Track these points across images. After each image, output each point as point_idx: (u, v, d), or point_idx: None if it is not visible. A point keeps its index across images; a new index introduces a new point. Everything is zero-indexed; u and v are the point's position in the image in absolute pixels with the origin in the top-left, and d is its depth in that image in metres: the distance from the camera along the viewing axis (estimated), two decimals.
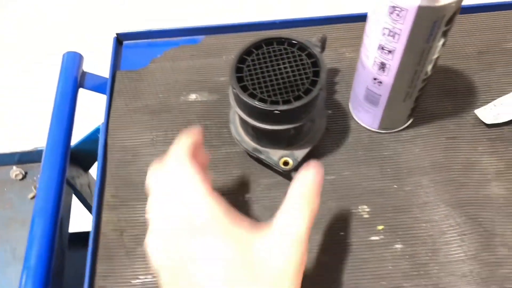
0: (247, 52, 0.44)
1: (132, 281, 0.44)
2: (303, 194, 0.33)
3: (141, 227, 0.47)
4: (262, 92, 0.42)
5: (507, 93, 0.52)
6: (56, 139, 0.55)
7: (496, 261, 0.43)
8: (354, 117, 0.52)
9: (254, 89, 0.42)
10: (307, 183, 0.34)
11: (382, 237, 0.45)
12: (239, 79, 0.42)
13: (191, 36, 0.59)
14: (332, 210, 0.47)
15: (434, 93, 0.53)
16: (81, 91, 0.59)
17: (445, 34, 0.39)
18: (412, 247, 0.45)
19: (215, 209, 0.32)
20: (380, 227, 0.46)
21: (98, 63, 0.58)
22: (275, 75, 0.43)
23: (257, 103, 0.41)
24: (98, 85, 0.59)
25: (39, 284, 0.46)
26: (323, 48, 0.48)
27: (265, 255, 0.31)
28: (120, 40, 0.59)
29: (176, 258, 0.32)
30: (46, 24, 1.60)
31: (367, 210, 0.47)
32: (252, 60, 0.43)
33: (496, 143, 0.50)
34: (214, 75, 0.56)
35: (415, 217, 0.46)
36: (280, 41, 0.45)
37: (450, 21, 0.38)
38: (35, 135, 0.58)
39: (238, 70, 0.43)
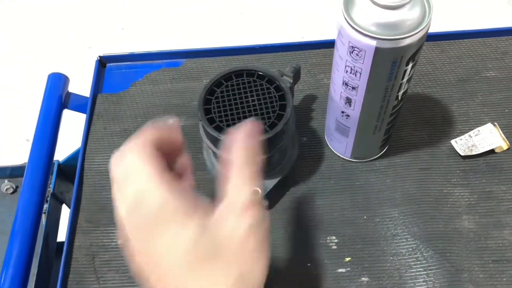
0: (217, 83, 0.44)
1: None
2: (240, 159, 0.32)
3: (113, 252, 0.47)
4: (228, 125, 0.42)
5: (484, 124, 0.52)
6: (38, 155, 0.56)
7: None
8: (329, 144, 0.52)
9: (221, 121, 0.42)
10: (240, 146, 0.33)
11: (348, 269, 0.45)
12: (207, 111, 0.43)
13: (173, 59, 0.60)
14: (300, 240, 0.47)
15: (411, 122, 0.53)
16: None
17: (406, 72, 0.39)
18: (378, 280, 0.45)
19: (166, 197, 0.31)
20: (347, 259, 0.46)
21: (88, 84, 0.59)
22: (242, 107, 0.43)
23: (222, 136, 0.41)
24: (82, 106, 0.60)
25: None
26: (296, 78, 0.48)
27: (225, 233, 0.30)
28: (103, 62, 0.60)
29: (141, 253, 0.31)
30: (33, 41, 1.64)
31: (336, 241, 0.47)
32: (221, 92, 0.44)
33: (469, 175, 0.49)
34: (193, 99, 0.56)
35: (383, 250, 0.46)
36: (249, 72, 0.45)
37: (411, 60, 0.38)
38: (27, 150, 0.60)
39: (207, 102, 0.44)
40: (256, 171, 0.33)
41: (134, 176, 0.32)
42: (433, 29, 0.59)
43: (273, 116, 0.42)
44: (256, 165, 0.33)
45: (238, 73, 0.45)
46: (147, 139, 0.34)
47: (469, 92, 0.55)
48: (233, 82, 0.45)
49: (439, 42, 0.59)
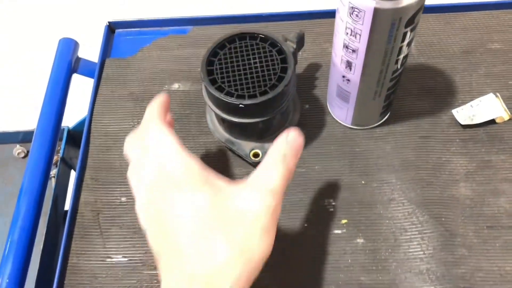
0: (220, 45, 0.45)
1: (105, 260, 0.47)
2: (280, 152, 0.34)
3: (117, 209, 0.49)
4: (230, 86, 0.43)
5: (486, 94, 0.52)
6: (46, 121, 0.57)
7: (453, 261, 0.44)
8: (330, 112, 0.53)
9: (223, 82, 0.43)
10: (285, 143, 0.35)
11: (345, 231, 0.46)
12: (210, 72, 0.44)
13: (180, 26, 0.61)
14: (298, 201, 0.48)
15: (413, 91, 0.54)
16: None
17: (406, 35, 0.39)
18: (373, 242, 0.46)
19: (190, 164, 0.34)
20: (344, 221, 0.47)
21: (97, 49, 0.60)
22: (244, 69, 0.44)
23: (223, 96, 0.42)
24: (91, 71, 0.61)
25: (19, 257, 0.49)
26: (300, 44, 0.48)
27: (240, 205, 0.32)
28: (112, 28, 0.61)
29: (157, 215, 0.33)
30: (44, 11, 1.65)
31: (333, 204, 0.48)
32: (224, 54, 0.45)
33: (469, 144, 0.50)
34: (199, 66, 0.57)
35: (379, 213, 0.47)
36: (252, 36, 0.46)
37: (410, 23, 0.38)
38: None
39: (210, 63, 0.44)
40: (290, 172, 0.35)
41: (157, 146, 0.35)
42: (439, 1, 0.59)
43: (274, 78, 0.43)
44: (292, 165, 0.35)
45: (241, 36, 0.46)
46: (157, 113, 0.38)
47: (473, 63, 0.55)
48: (236, 44, 0.45)
49: (445, 14, 0.59)
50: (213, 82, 0.43)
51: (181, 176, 0.33)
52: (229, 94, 0.42)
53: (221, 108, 0.44)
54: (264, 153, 0.48)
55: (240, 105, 0.42)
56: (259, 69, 0.44)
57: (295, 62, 0.47)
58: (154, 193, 0.33)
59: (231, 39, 0.46)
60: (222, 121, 0.47)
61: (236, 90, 0.43)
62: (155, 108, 0.38)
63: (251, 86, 0.43)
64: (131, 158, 0.37)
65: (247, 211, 0.32)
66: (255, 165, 0.49)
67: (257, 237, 0.32)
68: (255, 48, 0.45)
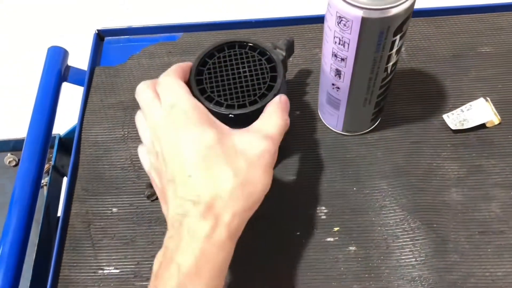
0: (209, 54, 0.45)
1: (97, 272, 0.46)
2: (276, 106, 0.40)
3: (108, 220, 0.49)
4: (219, 96, 0.43)
5: (477, 99, 0.52)
6: (37, 129, 0.57)
7: (445, 267, 0.44)
8: (321, 118, 0.52)
9: (212, 92, 0.43)
10: (279, 101, 0.40)
11: (337, 238, 0.46)
12: (199, 82, 0.44)
13: (169, 33, 0.60)
14: (290, 209, 0.48)
15: (404, 96, 0.54)
16: None
17: (395, 43, 0.39)
18: (366, 249, 0.46)
19: (200, 107, 0.37)
20: (336, 229, 0.47)
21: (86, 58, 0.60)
22: (234, 79, 0.43)
23: (212, 106, 0.42)
24: (81, 80, 0.60)
25: (9, 271, 0.48)
26: (290, 51, 0.48)
27: (243, 146, 0.36)
28: (101, 36, 0.61)
29: (166, 150, 0.36)
30: (34, 17, 1.65)
31: (325, 211, 0.48)
32: (213, 63, 0.44)
33: (460, 149, 0.50)
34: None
35: (371, 220, 0.47)
36: (242, 44, 0.46)
37: (399, 31, 0.38)
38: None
39: (199, 73, 0.44)
40: (284, 126, 0.39)
41: (170, 89, 0.38)
42: (429, 4, 0.59)
43: (264, 87, 0.43)
44: (286, 120, 0.39)
45: (230, 45, 0.46)
46: (174, 70, 0.41)
47: (463, 67, 0.55)
48: (225, 53, 0.45)
49: (434, 17, 0.59)
50: (202, 91, 0.43)
51: (193, 114, 0.36)
52: (218, 104, 0.42)
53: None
54: None
55: (230, 115, 0.42)
56: (248, 78, 0.43)
57: (285, 70, 0.46)
58: (165, 128, 0.36)
59: (220, 48, 0.45)
60: None
61: (226, 100, 0.42)
62: (172, 68, 0.41)
63: (240, 96, 0.42)
64: (142, 100, 0.39)
65: (249, 150, 0.36)
66: None
67: (258, 172, 0.35)
68: (244, 57, 0.45)
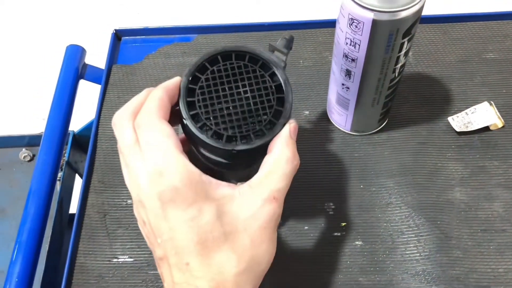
0: (200, 68, 0.36)
1: (111, 260, 0.48)
2: (284, 146, 0.33)
3: (123, 211, 0.51)
4: (217, 124, 0.34)
5: (481, 103, 0.54)
6: (54, 126, 0.59)
7: (448, 262, 0.45)
8: (330, 118, 0.54)
9: (208, 118, 0.34)
10: (288, 136, 0.34)
11: (344, 233, 0.48)
12: (190, 105, 0.35)
13: (184, 34, 0.63)
14: (299, 205, 0.49)
15: (411, 99, 0.55)
16: None
17: (403, 45, 0.41)
18: (371, 244, 0.47)
19: (190, 173, 0.31)
20: (343, 224, 0.48)
21: (103, 57, 0.62)
22: (233, 100, 0.35)
23: (210, 140, 0.34)
24: (97, 77, 0.63)
25: (28, 258, 0.50)
26: (289, 49, 0.40)
27: (244, 215, 0.31)
28: (118, 35, 0.63)
29: (156, 225, 0.31)
30: (53, 22, 1.68)
31: (333, 207, 0.49)
32: (207, 79, 0.35)
33: (464, 150, 0.52)
34: None
35: (377, 217, 0.48)
36: (239, 54, 0.36)
37: (407, 34, 0.40)
38: (44, 120, 0.63)
39: (190, 92, 0.35)
40: (296, 168, 0.34)
41: (155, 146, 0.32)
42: (436, 11, 0.61)
43: (270, 112, 0.35)
44: (295, 167, 0.34)
45: (225, 55, 0.36)
46: (162, 105, 0.33)
47: (468, 72, 0.57)
48: (219, 66, 0.36)
49: (442, 24, 0.61)
50: (195, 118, 0.34)
51: (184, 189, 0.31)
52: (217, 135, 0.34)
53: (206, 149, 0.36)
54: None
55: (233, 151, 0.34)
56: (250, 101, 0.35)
57: (285, 67, 0.38)
58: (151, 200, 0.31)
59: (212, 59, 0.36)
60: (203, 157, 0.37)
61: (225, 129, 0.34)
62: (155, 97, 0.34)
63: (242, 124, 0.35)
64: (121, 141, 0.33)
65: (252, 222, 0.31)
66: None
67: (264, 247, 0.32)
68: (243, 71, 0.36)
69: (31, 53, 1.62)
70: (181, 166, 0.31)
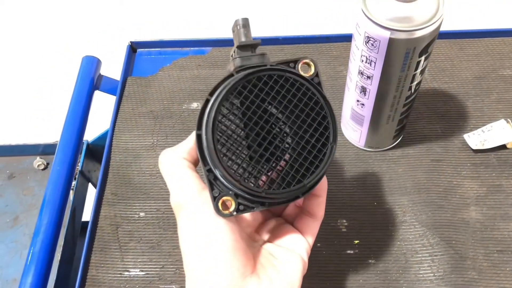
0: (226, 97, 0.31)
1: (123, 274, 0.48)
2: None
3: (135, 224, 0.51)
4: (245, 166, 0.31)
5: (497, 120, 0.53)
6: (69, 135, 0.59)
7: (463, 284, 0.45)
8: (344, 133, 0.54)
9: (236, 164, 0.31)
10: (324, 196, 0.37)
11: (357, 251, 0.47)
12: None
13: (199, 47, 0.63)
14: None
15: (426, 115, 0.55)
16: None
17: (419, 63, 0.41)
18: (385, 263, 0.47)
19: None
20: (356, 242, 0.48)
21: (119, 68, 0.63)
22: (264, 139, 0.31)
23: (247, 188, 0.30)
24: (112, 89, 0.63)
25: (41, 268, 0.50)
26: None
27: None
28: (133, 47, 0.64)
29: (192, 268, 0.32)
30: (78, 26, 1.70)
31: (346, 224, 0.49)
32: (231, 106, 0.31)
33: (480, 169, 0.51)
34: None
35: (391, 235, 0.48)
36: (272, 75, 0.31)
37: (424, 52, 0.40)
38: (58, 129, 0.64)
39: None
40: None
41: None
42: (452, 27, 0.61)
43: (312, 154, 0.31)
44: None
45: (260, 76, 0.30)
46: (187, 157, 0.34)
47: (484, 89, 0.56)
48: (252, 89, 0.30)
49: (458, 40, 0.60)
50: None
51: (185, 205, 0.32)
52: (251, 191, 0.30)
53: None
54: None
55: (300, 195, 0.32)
56: (289, 139, 0.31)
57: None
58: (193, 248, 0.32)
59: (244, 84, 0.30)
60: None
61: (249, 173, 0.31)
62: (183, 149, 0.34)
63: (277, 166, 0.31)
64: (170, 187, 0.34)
65: None
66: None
67: None
68: (279, 96, 0.31)
69: (31, 53, 1.64)
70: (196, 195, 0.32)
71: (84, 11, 1.77)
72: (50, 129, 1.44)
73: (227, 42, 0.62)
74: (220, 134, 0.31)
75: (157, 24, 1.70)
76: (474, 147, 0.51)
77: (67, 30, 1.71)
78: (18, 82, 1.58)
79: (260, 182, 0.32)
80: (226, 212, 0.31)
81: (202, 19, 1.69)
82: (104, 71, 0.65)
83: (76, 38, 1.69)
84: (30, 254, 0.51)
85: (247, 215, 0.37)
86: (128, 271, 0.48)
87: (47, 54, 1.64)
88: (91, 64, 0.64)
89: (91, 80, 0.63)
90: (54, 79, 1.56)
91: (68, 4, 1.79)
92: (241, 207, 0.31)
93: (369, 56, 0.41)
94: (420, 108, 0.55)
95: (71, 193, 0.70)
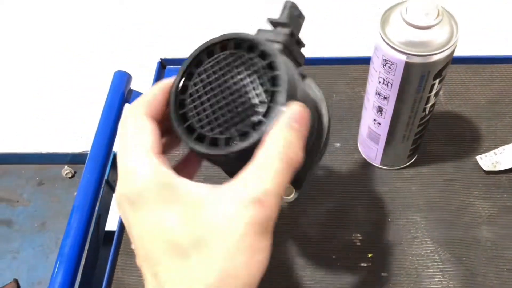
0: (196, 62, 0.32)
1: None
2: (278, 142, 0.27)
3: None
4: (212, 129, 0.30)
5: (510, 143, 0.55)
6: (99, 146, 0.63)
7: None
8: (361, 151, 0.56)
9: (201, 126, 0.30)
10: (288, 121, 0.28)
11: (370, 264, 0.49)
12: (182, 117, 0.31)
13: None
14: (327, 234, 0.51)
15: (439, 136, 0.57)
16: None
17: (434, 86, 0.43)
18: (397, 276, 0.48)
19: (154, 174, 0.27)
20: (370, 255, 0.50)
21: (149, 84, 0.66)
22: (226, 97, 0.30)
23: (207, 150, 0.29)
24: None
25: (69, 270, 0.53)
26: (296, 24, 0.35)
27: (218, 222, 0.26)
28: (163, 64, 0.67)
29: (129, 235, 0.30)
30: (98, 46, 1.76)
31: (360, 238, 0.51)
32: (195, 84, 0.31)
33: (491, 190, 0.53)
34: None
35: (403, 250, 0.50)
36: (226, 44, 0.31)
37: (438, 76, 0.42)
38: (87, 140, 0.67)
39: (180, 104, 0.31)
40: (294, 161, 0.28)
41: (128, 143, 0.29)
42: (467, 53, 0.63)
43: (267, 98, 0.29)
44: (292, 163, 0.28)
45: (210, 50, 0.31)
46: (144, 104, 0.31)
47: (498, 113, 0.58)
48: (208, 64, 0.31)
49: (473, 65, 0.63)
50: (188, 129, 0.31)
51: (145, 191, 0.27)
52: (213, 141, 0.30)
53: (205, 158, 0.32)
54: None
55: (230, 155, 0.29)
56: (245, 91, 0.30)
57: (301, 58, 0.34)
58: (120, 205, 0.29)
59: (197, 59, 0.32)
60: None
61: (221, 132, 0.30)
62: (153, 92, 0.31)
63: (239, 121, 0.30)
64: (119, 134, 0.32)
65: (229, 228, 0.26)
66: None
67: (241, 257, 0.26)
68: (239, 62, 0.31)
69: (31, 53, 1.69)
70: (149, 167, 0.28)
71: (84, 11, 1.82)
72: (50, 129, 1.48)
73: None
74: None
75: (157, 24, 1.75)
76: (486, 169, 0.53)
77: (67, 30, 1.76)
78: (18, 82, 1.63)
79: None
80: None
81: (202, 19, 1.72)
82: (136, 87, 0.69)
83: (76, 38, 1.74)
84: (59, 257, 0.54)
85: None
86: None
87: (47, 54, 1.69)
88: (122, 79, 0.68)
89: (121, 94, 0.67)
90: (54, 79, 1.61)
91: (68, 4, 1.84)
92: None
93: (386, 78, 0.43)
94: (434, 130, 0.57)
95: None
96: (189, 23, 1.74)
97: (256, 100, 0.30)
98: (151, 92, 0.31)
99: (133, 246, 0.29)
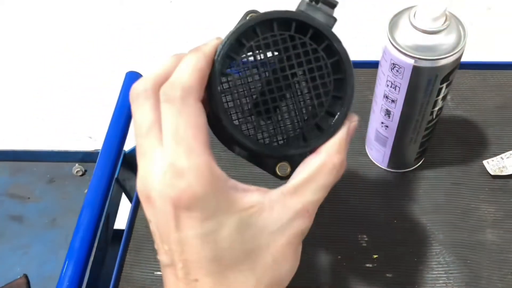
0: (235, 47, 0.28)
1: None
2: (334, 153, 0.28)
3: None
4: (259, 124, 0.28)
5: None
6: (110, 145, 0.64)
7: None
8: (368, 154, 0.57)
9: (246, 117, 0.28)
10: (345, 137, 0.29)
11: (375, 265, 0.50)
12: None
13: None
14: (334, 235, 0.52)
15: (447, 141, 0.58)
16: None
17: (441, 90, 0.44)
18: (401, 277, 0.49)
19: (211, 178, 0.26)
20: (375, 256, 0.50)
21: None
22: (279, 89, 0.28)
23: (255, 147, 0.28)
24: None
25: (78, 266, 0.54)
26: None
27: (268, 230, 0.27)
28: None
29: (163, 236, 0.27)
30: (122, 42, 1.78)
31: (366, 239, 0.52)
32: (242, 64, 0.28)
33: (497, 193, 0.53)
34: None
35: (408, 251, 0.50)
36: (282, 22, 0.28)
37: (445, 80, 0.43)
38: (98, 139, 0.68)
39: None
40: (335, 182, 0.29)
41: (179, 136, 0.26)
42: (476, 58, 0.64)
43: (326, 101, 0.28)
44: (339, 178, 0.29)
45: (264, 25, 0.28)
46: (199, 75, 0.27)
47: (506, 118, 0.59)
48: (258, 41, 0.28)
49: (481, 70, 0.63)
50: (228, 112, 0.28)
51: (203, 197, 0.26)
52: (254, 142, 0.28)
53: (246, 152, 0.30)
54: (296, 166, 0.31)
55: (282, 158, 0.30)
56: (301, 88, 0.29)
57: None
58: (162, 203, 0.26)
59: (248, 32, 0.28)
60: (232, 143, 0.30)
61: (272, 132, 0.28)
62: (198, 67, 0.27)
63: (294, 121, 0.29)
64: (137, 119, 0.28)
65: (277, 235, 0.27)
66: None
67: (286, 265, 0.28)
68: (289, 45, 0.28)
69: (31, 53, 1.70)
70: (207, 170, 0.26)
71: (84, 11, 1.83)
72: (50, 129, 1.49)
73: None
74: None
75: (157, 24, 1.76)
76: (492, 173, 0.54)
77: (67, 30, 1.77)
78: (18, 82, 1.64)
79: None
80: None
81: (202, 19, 1.73)
82: (105, 70, 0.69)
83: (76, 38, 1.75)
84: (70, 250, 0.55)
85: None
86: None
87: (47, 54, 1.70)
88: (134, 80, 0.69)
89: None
90: (54, 79, 1.62)
91: (68, 4, 1.86)
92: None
93: (394, 81, 0.44)
94: (442, 134, 0.58)
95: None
96: (189, 23, 1.75)
97: (315, 102, 0.28)
98: (195, 67, 0.27)
99: (165, 247, 0.27)
